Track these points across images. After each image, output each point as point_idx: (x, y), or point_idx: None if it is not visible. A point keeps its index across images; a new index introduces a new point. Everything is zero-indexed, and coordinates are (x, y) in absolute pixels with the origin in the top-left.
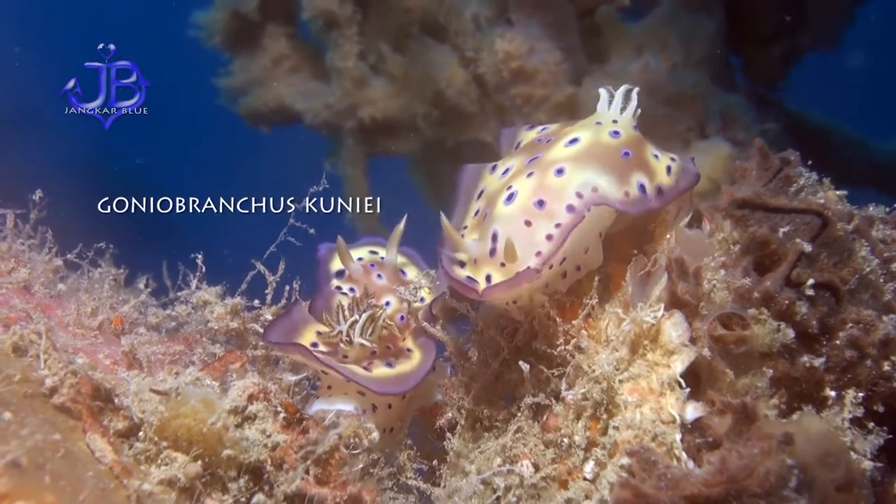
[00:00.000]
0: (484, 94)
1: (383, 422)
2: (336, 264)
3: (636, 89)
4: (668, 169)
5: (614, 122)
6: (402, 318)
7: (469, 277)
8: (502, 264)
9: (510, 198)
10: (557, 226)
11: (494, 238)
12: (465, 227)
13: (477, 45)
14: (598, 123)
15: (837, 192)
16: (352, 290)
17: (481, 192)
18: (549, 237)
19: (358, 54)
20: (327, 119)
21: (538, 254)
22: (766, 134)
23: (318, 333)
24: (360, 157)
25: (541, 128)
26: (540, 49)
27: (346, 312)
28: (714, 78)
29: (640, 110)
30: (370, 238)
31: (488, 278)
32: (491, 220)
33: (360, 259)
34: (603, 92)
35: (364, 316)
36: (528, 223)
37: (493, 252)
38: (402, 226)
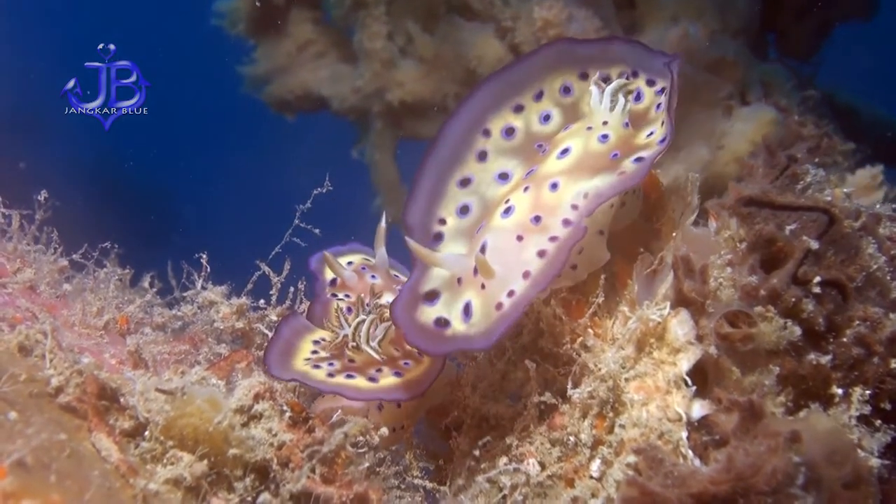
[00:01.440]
0: None
1: (391, 420)
2: (330, 273)
3: (626, 87)
4: (662, 123)
5: (604, 123)
6: None
7: (439, 320)
8: (483, 286)
9: (507, 211)
10: (552, 239)
11: (483, 250)
12: (443, 223)
13: (514, 14)
14: (589, 128)
15: (845, 190)
16: (347, 296)
17: (467, 179)
18: (541, 253)
19: (386, 35)
20: (355, 103)
21: (525, 274)
22: (808, 101)
23: (316, 342)
24: (388, 142)
25: (544, 114)
26: (578, 17)
27: (348, 316)
28: (751, 49)
29: (629, 107)
30: (357, 245)
31: (467, 308)
32: (484, 231)
33: (350, 263)
34: (594, 89)
35: (369, 318)
36: (519, 238)
37: (476, 270)
38: (383, 223)
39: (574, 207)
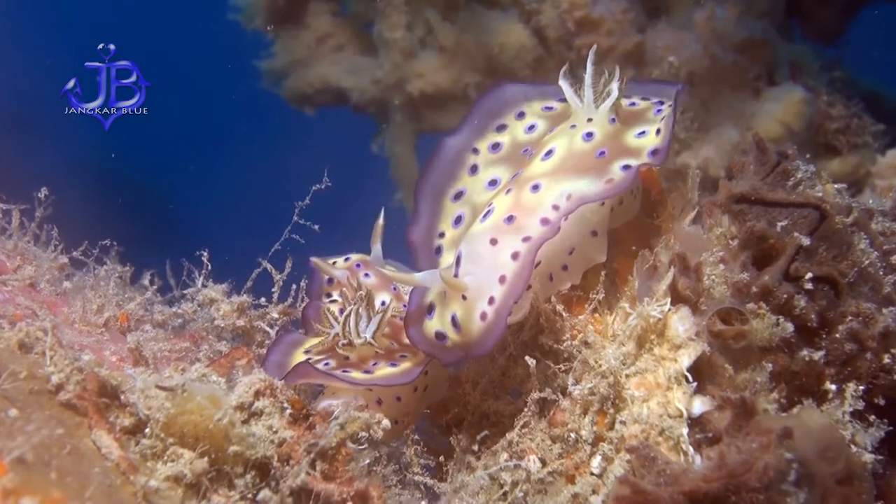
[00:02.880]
0: (545, 50)
1: (391, 414)
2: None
3: (615, 81)
4: (658, 131)
5: (589, 120)
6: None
7: (437, 334)
8: (463, 296)
9: (486, 215)
10: (525, 239)
11: (458, 262)
12: (443, 236)
13: None
14: (573, 127)
15: (836, 186)
16: (341, 295)
17: (460, 193)
18: (514, 255)
19: (406, 25)
20: (375, 95)
21: (502, 279)
22: (835, 82)
23: (307, 351)
24: (408, 135)
25: (528, 125)
26: None
27: (336, 315)
28: (778, 31)
29: (618, 99)
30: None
31: (454, 320)
32: (463, 239)
33: (347, 259)
34: (564, 85)
35: (353, 309)
36: (493, 241)
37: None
38: (381, 220)
39: (555, 208)
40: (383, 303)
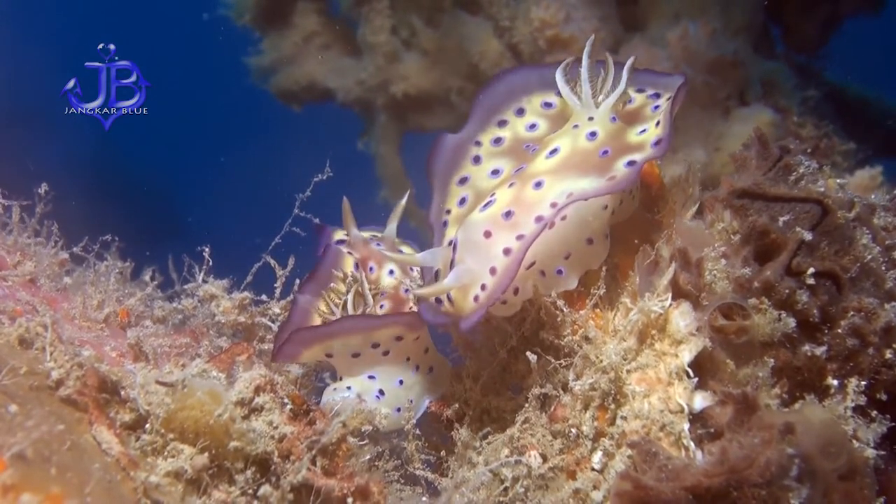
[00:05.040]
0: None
1: (393, 402)
2: (337, 235)
3: (611, 73)
4: (658, 123)
5: (590, 119)
6: (407, 290)
7: (437, 299)
8: None
9: (487, 205)
10: (519, 237)
11: (455, 247)
12: (449, 212)
13: (512, 13)
14: (576, 127)
15: (838, 181)
16: (350, 254)
17: (464, 178)
18: (506, 251)
19: (390, 29)
20: (359, 95)
21: (492, 270)
22: (807, 101)
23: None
24: (393, 135)
25: (529, 124)
26: (576, 17)
27: (339, 296)
28: (754, 46)
29: (623, 94)
30: (368, 227)
31: (449, 296)
32: (462, 224)
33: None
34: (561, 83)
35: (352, 293)
36: (487, 234)
37: (453, 263)
38: (404, 201)
39: (553, 206)
40: (391, 272)
